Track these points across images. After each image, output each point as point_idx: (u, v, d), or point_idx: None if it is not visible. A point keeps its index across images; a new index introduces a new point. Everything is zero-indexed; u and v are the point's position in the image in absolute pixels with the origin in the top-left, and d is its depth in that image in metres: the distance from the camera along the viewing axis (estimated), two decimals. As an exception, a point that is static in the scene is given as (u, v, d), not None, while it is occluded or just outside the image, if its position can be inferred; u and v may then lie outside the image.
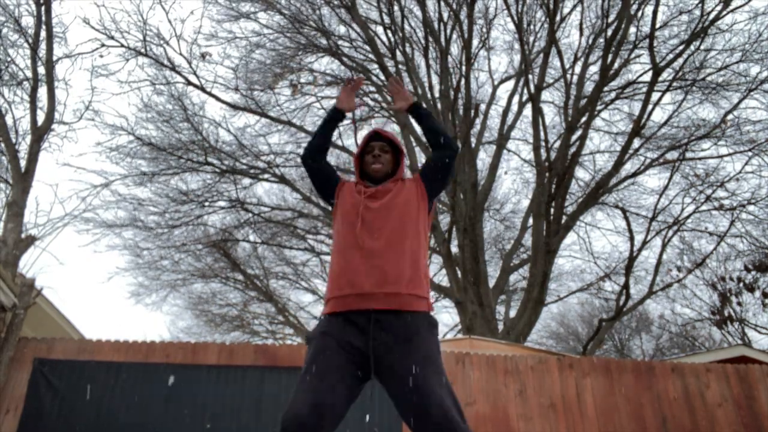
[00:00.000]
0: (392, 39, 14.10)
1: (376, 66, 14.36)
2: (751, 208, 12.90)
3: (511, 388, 6.17)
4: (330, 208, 2.57)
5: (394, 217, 2.33)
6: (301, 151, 15.54)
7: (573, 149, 12.19)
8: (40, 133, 8.47)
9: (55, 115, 8.79)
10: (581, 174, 15.21)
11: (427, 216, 2.49)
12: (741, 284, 16.87)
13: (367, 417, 5.80)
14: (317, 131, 2.71)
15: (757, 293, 16.72)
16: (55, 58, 9.20)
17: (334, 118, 2.71)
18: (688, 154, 12.91)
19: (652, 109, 12.08)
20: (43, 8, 9.12)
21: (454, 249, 13.47)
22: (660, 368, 6.40)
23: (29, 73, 8.98)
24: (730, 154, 12.68)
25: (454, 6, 13.63)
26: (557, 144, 13.27)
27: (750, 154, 12.37)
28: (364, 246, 2.26)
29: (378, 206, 2.37)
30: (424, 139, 13.48)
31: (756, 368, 6.45)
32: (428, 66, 14.35)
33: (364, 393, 2.23)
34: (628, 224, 12.19)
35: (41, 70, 8.99)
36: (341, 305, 2.19)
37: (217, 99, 13.64)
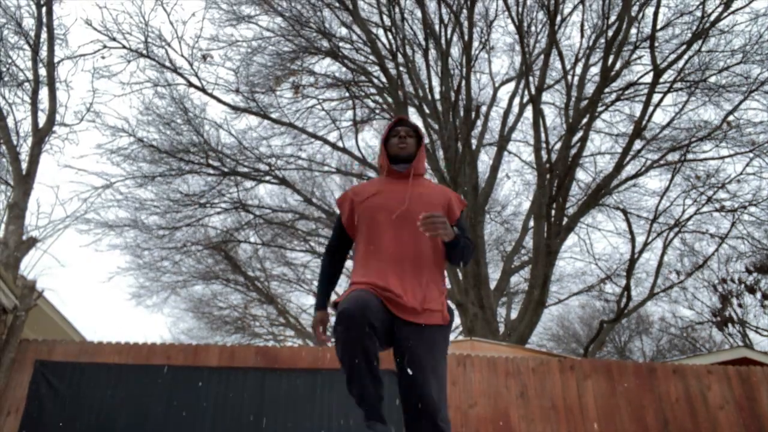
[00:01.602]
0: (393, 41, 14.11)
1: (377, 68, 14.36)
2: (752, 209, 12.90)
3: (512, 389, 6.17)
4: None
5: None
6: (302, 153, 15.58)
7: (574, 151, 12.18)
8: (41, 135, 8.49)
9: (57, 117, 8.81)
10: (582, 176, 15.23)
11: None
12: (742, 286, 16.85)
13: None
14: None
15: (758, 295, 16.69)
16: (56, 60, 9.21)
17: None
18: (689, 156, 12.90)
19: (653, 111, 12.08)
20: (44, 9, 9.13)
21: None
22: (661, 370, 6.39)
23: (30, 75, 9.00)
24: (731, 156, 12.67)
25: (454, 8, 13.63)
26: (558, 145, 13.27)
27: (751, 155, 12.37)
28: (401, 244, 2.39)
29: (412, 200, 2.50)
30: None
31: (758, 370, 6.44)
32: (429, 68, 14.36)
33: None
34: (629, 226, 12.18)
35: (42, 71, 9.01)
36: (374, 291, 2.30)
37: (219, 101, 13.65)
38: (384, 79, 14.12)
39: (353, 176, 15.49)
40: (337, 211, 2.72)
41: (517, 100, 15.77)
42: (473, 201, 13.42)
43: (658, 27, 12.01)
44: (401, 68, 14.05)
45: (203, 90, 13.34)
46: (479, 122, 15.16)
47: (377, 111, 15.52)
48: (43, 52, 9.10)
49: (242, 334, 20.43)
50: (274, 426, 5.84)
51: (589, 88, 13.61)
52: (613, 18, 12.53)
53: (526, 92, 14.25)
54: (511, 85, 17.45)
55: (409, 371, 2.18)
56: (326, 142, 15.02)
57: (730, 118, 12.51)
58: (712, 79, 12.70)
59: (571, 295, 18.16)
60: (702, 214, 13.32)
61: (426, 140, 2.78)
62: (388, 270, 2.34)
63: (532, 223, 13.62)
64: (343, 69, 15.06)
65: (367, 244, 2.45)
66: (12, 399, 5.85)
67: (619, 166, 12.45)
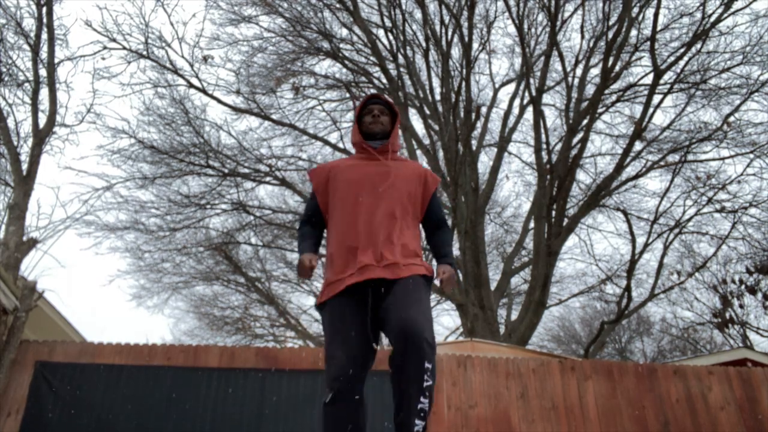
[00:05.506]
0: (393, 42, 14.12)
1: (377, 68, 14.38)
2: (752, 210, 12.89)
3: (512, 390, 6.16)
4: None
5: (399, 190, 2.48)
6: (302, 154, 15.58)
7: (574, 152, 12.17)
8: (41, 136, 8.49)
9: (57, 117, 8.81)
10: (582, 177, 15.23)
11: (419, 210, 2.59)
12: (743, 287, 16.84)
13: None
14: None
15: (759, 296, 16.69)
16: (56, 61, 9.21)
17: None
18: (690, 157, 12.89)
19: (653, 112, 12.08)
20: (44, 10, 9.13)
21: (456, 252, 13.46)
22: (662, 371, 6.39)
23: (30, 76, 9.00)
24: (731, 157, 12.66)
25: (455, 9, 13.64)
26: (558, 146, 13.27)
27: (751, 156, 12.36)
28: (370, 212, 2.40)
29: (387, 174, 2.51)
30: (426, 142, 13.33)
31: (759, 371, 6.44)
32: (429, 69, 14.37)
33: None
34: (630, 227, 12.16)
35: (43, 72, 9.01)
36: (339, 287, 2.30)
37: (219, 102, 13.65)
38: (385, 80, 14.14)
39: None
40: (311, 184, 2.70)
41: (517, 102, 15.79)
42: (473, 202, 13.42)
43: (659, 29, 12.01)
44: (402, 69, 14.06)
45: (204, 91, 13.33)
46: (479, 123, 15.16)
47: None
48: (44, 53, 9.10)
49: (243, 335, 20.43)
50: (275, 427, 5.84)
51: (590, 90, 13.62)
52: (613, 20, 12.54)
53: (526, 93, 14.27)
54: (511, 87, 17.48)
55: (392, 302, 2.18)
56: (327, 143, 15.03)
57: (731, 119, 12.52)
58: (713, 81, 12.71)
59: (572, 296, 18.16)
60: (702, 215, 13.33)
61: (400, 115, 2.78)
62: (363, 242, 2.34)
63: (532, 224, 13.62)
64: (344, 70, 15.09)
65: (341, 217, 2.46)
66: (12, 400, 5.85)
67: (619, 167, 12.45)
